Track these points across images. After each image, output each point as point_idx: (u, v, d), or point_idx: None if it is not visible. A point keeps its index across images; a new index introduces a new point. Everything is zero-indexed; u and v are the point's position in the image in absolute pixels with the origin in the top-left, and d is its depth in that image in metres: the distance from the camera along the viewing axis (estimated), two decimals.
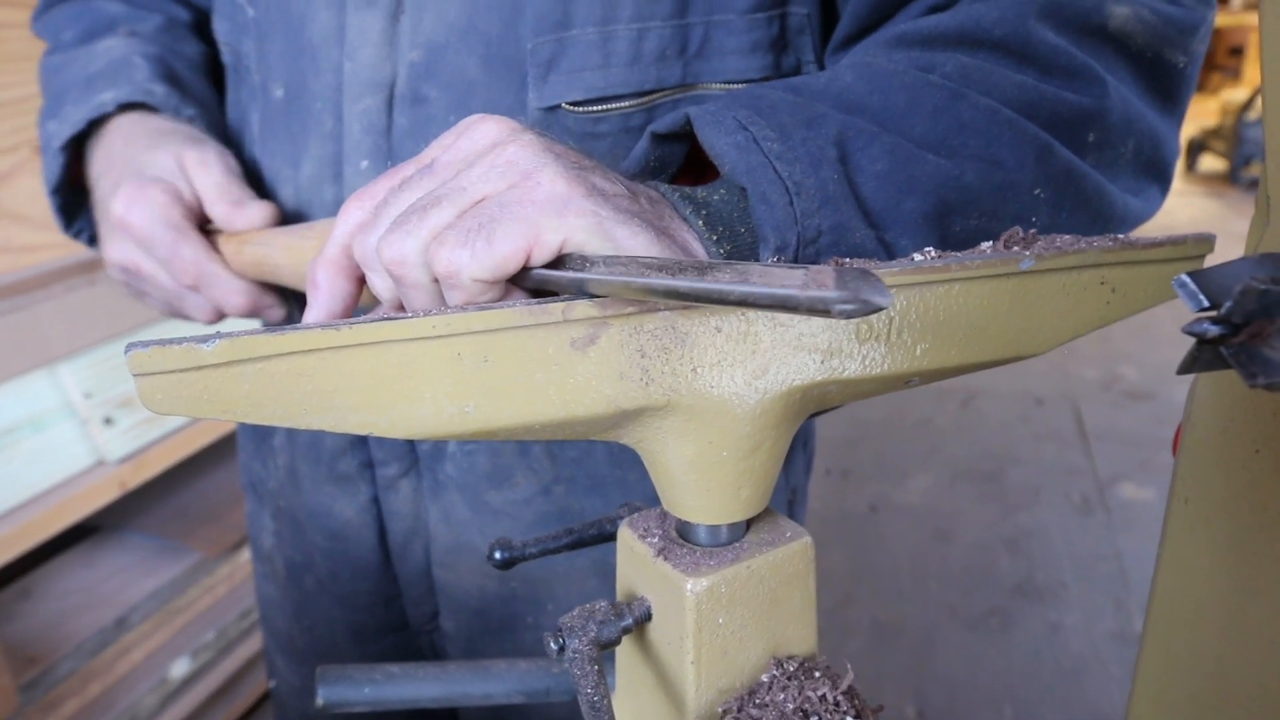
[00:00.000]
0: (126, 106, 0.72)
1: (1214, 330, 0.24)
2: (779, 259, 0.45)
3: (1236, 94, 6.78)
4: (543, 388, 0.38)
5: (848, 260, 0.42)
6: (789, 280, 0.28)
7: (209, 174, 0.67)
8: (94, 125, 0.73)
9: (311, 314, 0.45)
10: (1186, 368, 0.26)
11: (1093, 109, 0.52)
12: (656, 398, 0.39)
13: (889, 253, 0.48)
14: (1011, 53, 0.52)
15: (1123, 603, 2.36)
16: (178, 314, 0.71)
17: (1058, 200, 0.51)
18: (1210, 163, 7.14)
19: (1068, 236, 0.43)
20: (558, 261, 0.40)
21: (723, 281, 0.31)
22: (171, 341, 0.35)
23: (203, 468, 1.82)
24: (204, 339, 0.35)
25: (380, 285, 0.44)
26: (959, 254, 0.41)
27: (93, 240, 0.79)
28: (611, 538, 0.53)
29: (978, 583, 2.46)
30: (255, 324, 0.82)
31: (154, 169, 0.67)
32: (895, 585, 2.46)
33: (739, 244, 0.46)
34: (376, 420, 0.38)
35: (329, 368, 0.36)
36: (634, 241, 0.40)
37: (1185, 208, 6.14)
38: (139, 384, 0.35)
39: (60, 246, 1.53)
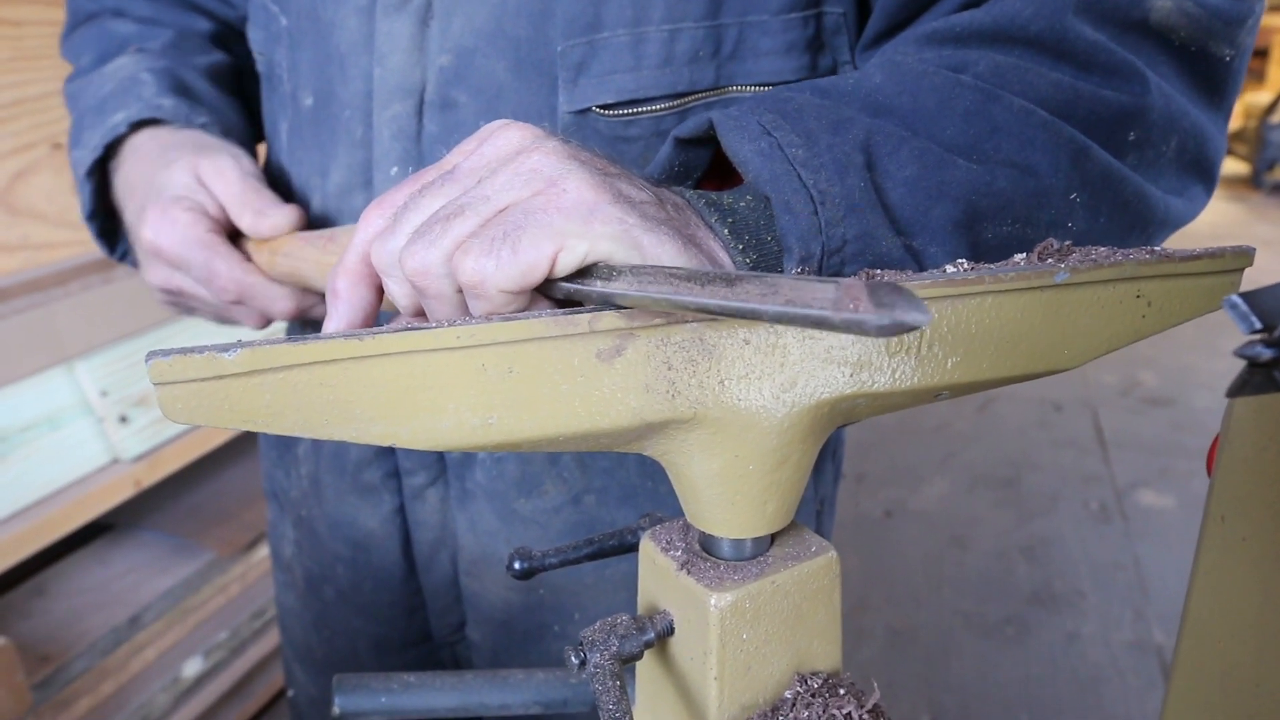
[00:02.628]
0: (140, 124, 0.73)
1: (1267, 354, 0.23)
2: (803, 269, 0.44)
3: (1260, 97, 6.72)
4: (567, 399, 0.38)
5: (877, 272, 0.41)
6: (820, 295, 0.28)
7: (227, 183, 0.67)
8: (112, 147, 0.73)
9: (332, 323, 0.45)
10: (1237, 390, 0.25)
11: (1133, 107, 0.50)
12: (683, 410, 0.39)
13: (917, 261, 0.46)
14: (1047, 49, 0.50)
15: (1141, 612, 2.33)
16: (229, 323, 0.72)
17: (1095, 205, 0.50)
18: (1232, 166, 7.07)
19: (1103, 249, 0.42)
20: (584, 271, 0.39)
21: (752, 297, 0.30)
22: (193, 350, 0.34)
23: (217, 467, 1.83)
24: (225, 348, 0.35)
25: (399, 293, 0.43)
26: (992, 266, 0.40)
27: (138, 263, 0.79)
28: (633, 549, 0.52)
29: (994, 590, 2.44)
30: (278, 331, 0.82)
31: (173, 187, 0.67)
32: (910, 592, 2.44)
33: (765, 252, 0.45)
34: (398, 431, 0.37)
35: (351, 378, 0.36)
36: (661, 250, 0.40)
37: (1206, 212, 6.07)
38: (160, 393, 0.35)
39: (78, 244, 1.54)
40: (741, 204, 0.46)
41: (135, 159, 0.71)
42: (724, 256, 0.44)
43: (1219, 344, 3.82)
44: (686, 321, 0.38)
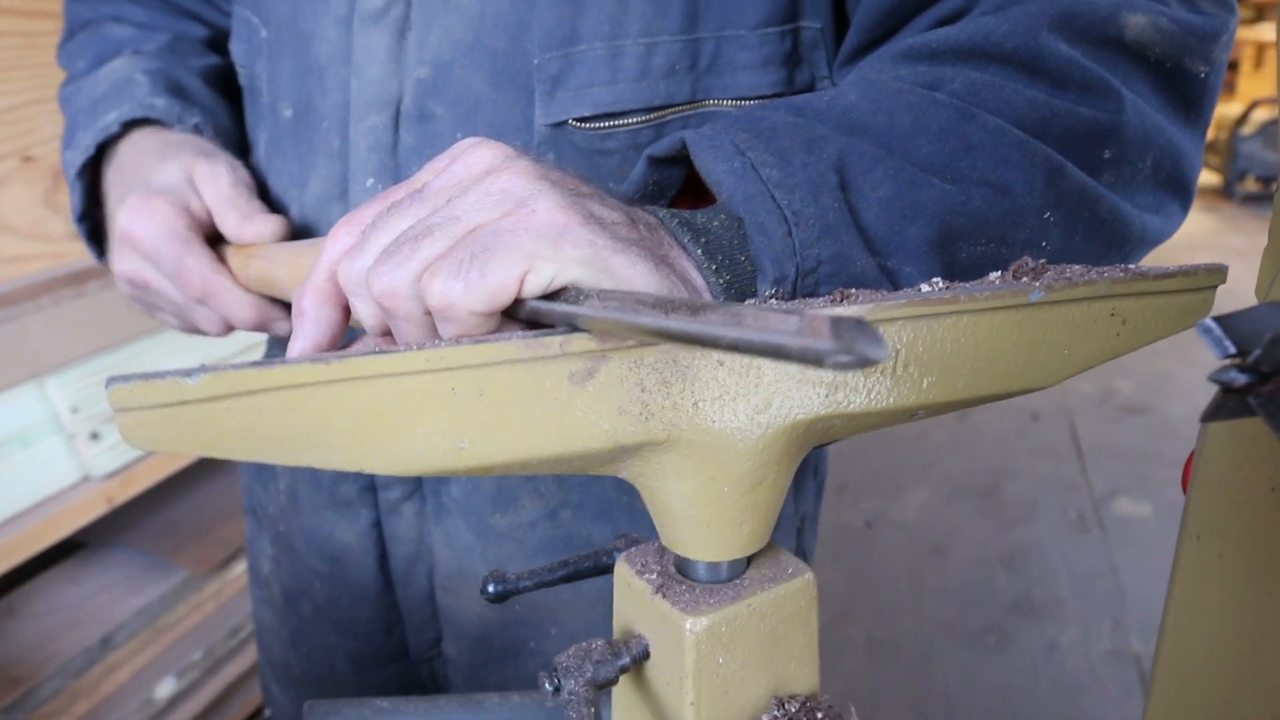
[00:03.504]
0: (132, 124, 0.72)
1: (1241, 379, 0.23)
2: (777, 290, 0.44)
3: (1231, 108, 6.81)
4: (539, 423, 0.37)
5: (852, 291, 0.41)
6: (783, 326, 0.27)
7: (218, 186, 0.66)
8: (105, 147, 0.72)
9: (297, 343, 0.44)
10: (1211, 415, 0.25)
11: (1108, 124, 0.49)
12: (656, 432, 0.38)
13: (892, 280, 0.46)
14: (1023, 66, 0.49)
15: (1120, 621, 2.35)
16: (188, 326, 0.71)
17: (1070, 224, 0.49)
18: (1205, 177, 7.16)
19: (1078, 267, 0.42)
20: (553, 292, 0.38)
21: (714, 324, 0.30)
22: (155, 375, 0.34)
23: (190, 484, 1.80)
24: (189, 373, 0.34)
25: (366, 313, 0.42)
26: (967, 285, 0.40)
27: None
28: (608, 570, 0.51)
29: (974, 600, 2.45)
30: (241, 356, 0.80)
31: (161, 181, 0.66)
32: (892, 602, 2.44)
33: (739, 272, 0.45)
34: (368, 456, 0.36)
35: (318, 403, 0.35)
36: (632, 271, 0.39)
37: None
38: (120, 419, 0.34)
39: (49, 258, 1.52)
40: (715, 223, 0.45)
41: (131, 153, 0.70)
42: (697, 277, 0.43)
43: (1194, 353, 3.86)
44: (660, 343, 0.37)
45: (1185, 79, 0.53)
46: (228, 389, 0.34)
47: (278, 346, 0.86)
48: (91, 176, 0.73)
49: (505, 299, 0.38)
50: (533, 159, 0.42)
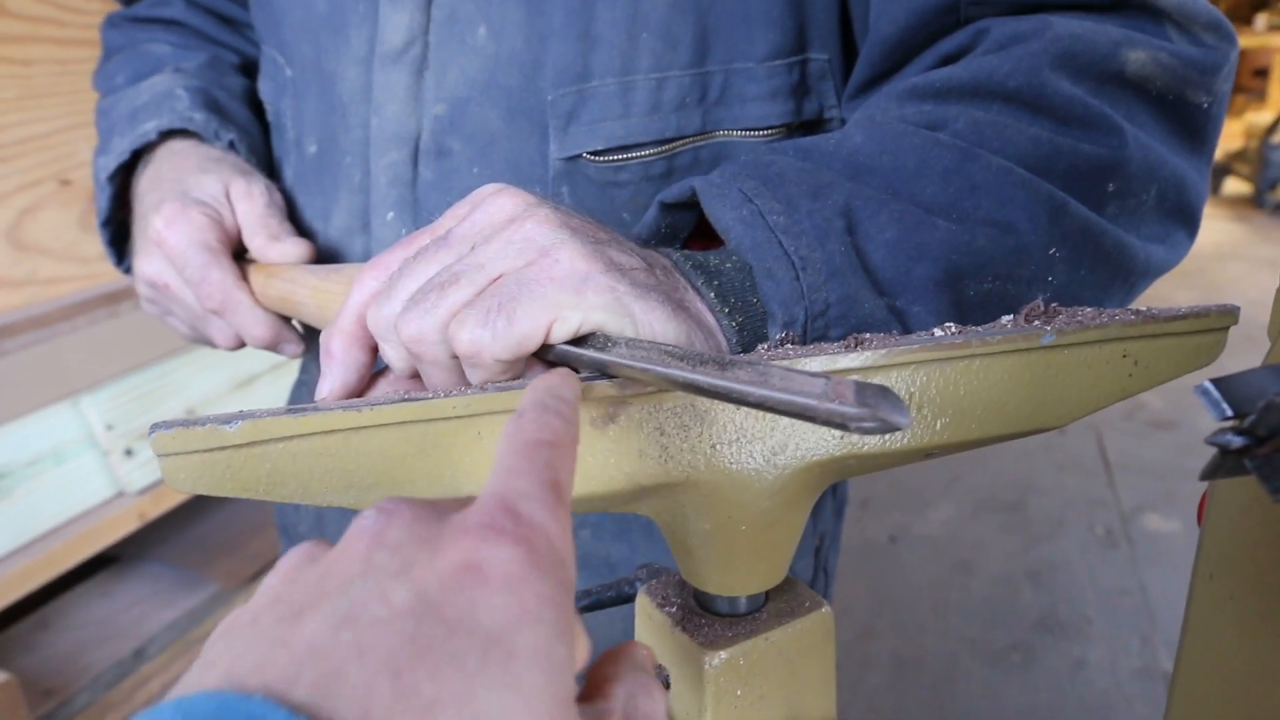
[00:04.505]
0: (169, 135, 0.74)
1: (1237, 441, 0.24)
2: (787, 333, 0.45)
3: (1261, 116, 6.73)
4: None
5: (865, 336, 0.42)
6: (809, 388, 0.28)
7: (252, 205, 0.69)
8: (140, 155, 0.74)
9: (326, 384, 0.45)
10: (1210, 474, 0.26)
11: (1111, 160, 0.50)
12: (675, 474, 0.39)
13: (901, 320, 0.47)
14: (1026, 105, 0.51)
15: (1148, 639, 2.32)
16: (199, 337, 0.72)
17: (1075, 259, 0.50)
18: (1235, 186, 7.08)
19: (1089, 310, 0.43)
20: (581, 337, 0.40)
21: (742, 381, 0.31)
22: (195, 423, 0.35)
23: (221, 500, 1.83)
24: (227, 419, 0.36)
25: (394, 357, 0.44)
26: (979, 330, 0.41)
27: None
28: (630, 599, 0.53)
29: (1000, 616, 2.43)
30: (270, 374, 0.82)
31: (199, 191, 0.68)
32: (915, 618, 2.43)
33: (751, 314, 0.46)
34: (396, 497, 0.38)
35: (350, 447, 0.37)
36: (651, 316, 0.40)
37: (1209, 232, 6.09)
38: (163, 464, 0.36)
39: (84, 279, 1.55)
40: (727, 265, 0.46)
41: (166, 162, 0.72)
42: (710, 319, 0.45)
43: (1223, 367, 3.81)
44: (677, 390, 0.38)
45: (1188, 110, 0.54)
46: (263, 435, 0.36)
47: (307, 372, 0.88)
48: (120, 183, 0.75)
49: (531, 346, 0.39)
50: (553, 206, 0.43)
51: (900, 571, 2.63)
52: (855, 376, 0.40)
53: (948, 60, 0.56)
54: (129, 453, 1.48)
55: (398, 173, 0.66)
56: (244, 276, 0.68)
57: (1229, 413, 0.24)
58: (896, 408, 0.26)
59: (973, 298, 0.48)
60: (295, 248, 0.67)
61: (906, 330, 0.47)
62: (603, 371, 0.38)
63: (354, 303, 0.45)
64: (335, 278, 0.61)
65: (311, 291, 0.62)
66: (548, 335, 0.39)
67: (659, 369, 0.34)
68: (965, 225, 0.47)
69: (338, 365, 0.45)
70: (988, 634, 2.36)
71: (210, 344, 0.71)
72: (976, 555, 2.70)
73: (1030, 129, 0.50)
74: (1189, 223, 0.57)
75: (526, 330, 0.38)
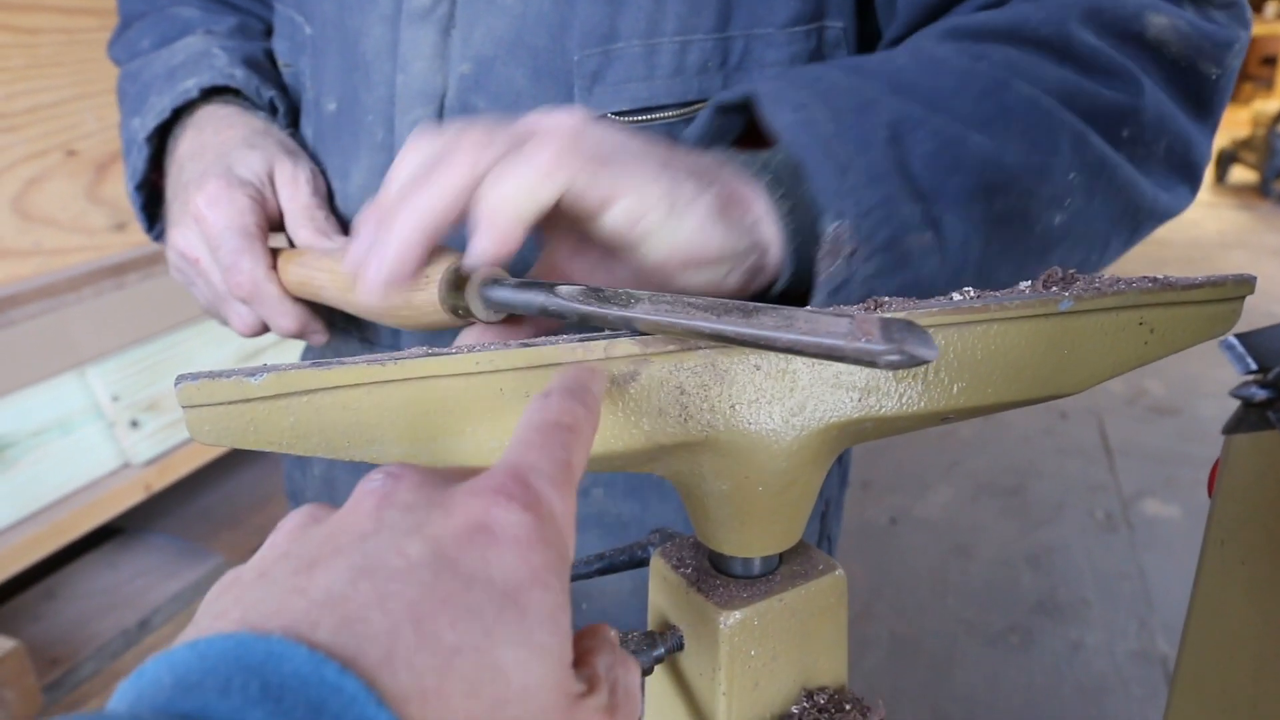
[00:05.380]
0: (209, 95, 0.73)
1: (1261, 394, 0.24)
2: (839, 226, 0.48)
3: (1269, 105, 6.71)
4: None
5: (885, 299, 0.42)
6: (834, 329, 0.28)
7: (297, 192, 0.68)
8: (178, 115, 0.73)
9: (370, 263, 0.46)
10: (1233, 428, 0.26)
11: (1128, 106, 0.55)
12: (694, 434, 0.40)
13: (935, 227, 0.51)
14: (1054, 50, 0.55)
15: (1146, 622, 2.34)
16: (217, 316, 0.71)
17: (1091, 186, 0.55)
18: (1241, 174, 7.07)
19: (1107, 277, 0.43)
20: (603, 296, 0.40)
21: (768, 327, 0.31)
22: (220, 374, 0.36)
23: (226, 472, 1.84)
24: (252, 372, 0.36)
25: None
26: (997, 294, 0.41)
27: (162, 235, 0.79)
28: (643, 563, 0.53)
29: (998, 599, 2.44)
30: (274, 347, 0.82)
31: (244, 169, 0.67)
32: (914, 600, 2.45)
33: (799, 200, 0.50)
34: (418, 453, 0.38)
35: (373, 402, 0.37)
36: (697, 204, 0.45)
37: (1215, 219, 6.08)
38: (188, 415, 0.36)
39: (90, 250, 1.55)
40: (777, 158, 0.51)
41: (209, 125, 0.71)
42: (761, 206, 0.49)
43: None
44: (700, 348, 0.39)
45: (1198, 78, 0.58)
46: (288, 388, 0.36)
47: (314, 353, 0.88)
48: (155, 146, 0.74)
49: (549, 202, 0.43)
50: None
51: (900, 553, 2.64)
52: None
53: (985, 10, 0.60)
54: (135, 424, 1.49)
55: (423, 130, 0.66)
56: (274, 264, 0.67)
57: (1253, 366, 0.25)
58: (923, 341, 0.26)
59: (999, 211, 0.52)
60: (341, 245, 0.66)
61: (940, 237, 0.50)
62: (628, 327, 0.38)
63: (404, 162, 0.47)
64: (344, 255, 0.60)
65: (329, 275, 0.61)
66: (608, 211, 0.43)
67: (684, 321, 0.35)
68: (997, 142, 0.52)
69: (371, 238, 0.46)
70: (986, 616, 2.38)
71: (225, 325, 0.70)
72: (976, 538, 2.71)
73: (1057, 71, 0.54)
74: (1192, 178, 0.62)
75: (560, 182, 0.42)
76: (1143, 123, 0.56)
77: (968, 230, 0.51)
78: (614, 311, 0.38)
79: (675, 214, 0.45)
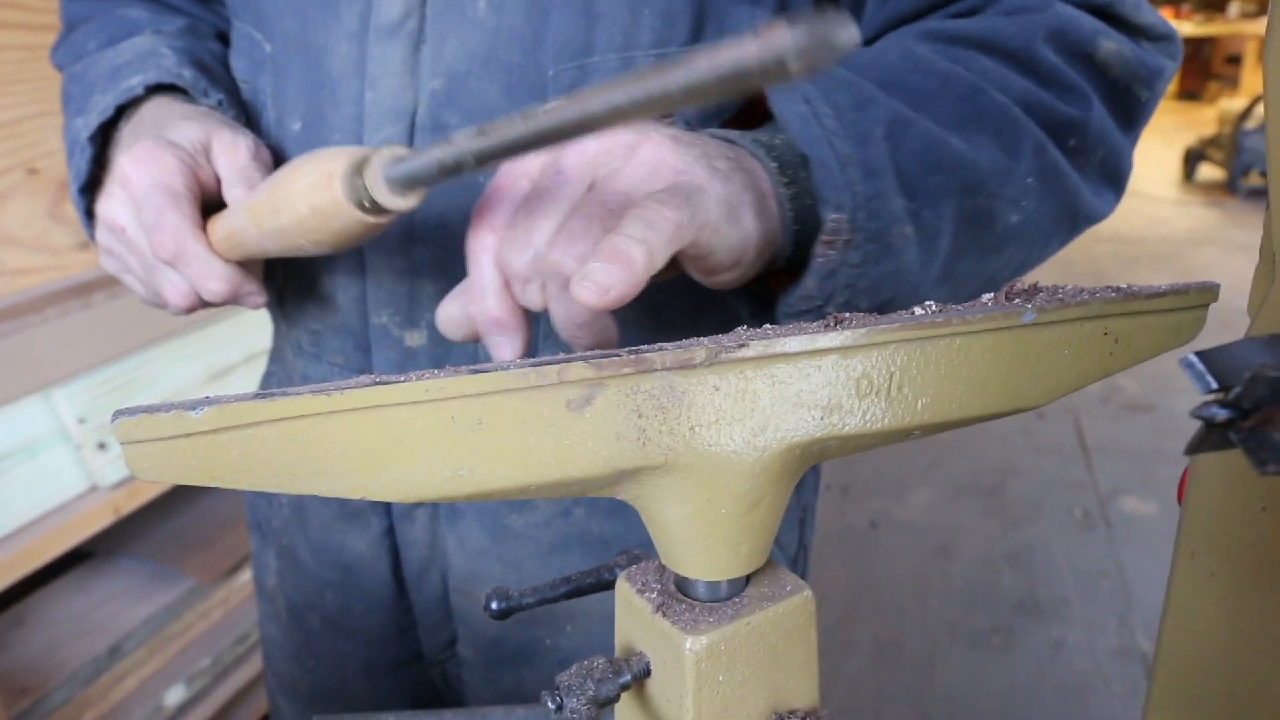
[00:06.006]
0: (156, 92, 0.71)
1: (1223, 414, 0.24)
2: (838, 218, 0.51)
3: (1234, 103, 6.80)
4: (538, 450, 0.38)
5: (845, 316, 0.41)
6: (736, 49, 0.25)
7: (236, 156, 0.65)
8: (123, 113, 0.70)
9: (507, 349, 0.51)
10: (1195, 448, 0.25)
11: (1078, 119, 0.60)
12: (654, 457, 0.39)
13: (915, 221, 0.54)
14: (1020, 63, 0.60)
15: (1125, 619, 2.35)
16: (152, 294, 0.67)
17: (1044, 190, 0.59)
18: (1208, 172, 7.15)
19: (1070, 287, 0.43)
20: (493, 125, 0.39)
21: (662, 80, 0.29)
22: (159, 409, 0.34)
23: (197, 493, 1.81)
24: (192, 406, 0.35)
25: (535, 297, 0.48)
26: (959, 308, 0.41)
27: None
28: (609, 586, 0.52)
29: (979, 599, 2.45)
30: (246, 364, 0.80)
31: (177, 135, 0.64)
32: (896, 602, 2.45)
33: (801, 188, 0.53)
34: (369, 484, 0.37)
35: (320, 433, 0.36)
36: (743, 208, 0.49)
37: (1183, 217, 6.14)
38: (126, 452, 0.35)
39: (54, 269, 1.53)
40: (778, 141, 0.54)
41: (150, 114, 0.68)
42: (770, 187, 0.52)
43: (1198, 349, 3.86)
44: (656, 370, 0.38)
45: (1132, 99, 0.64)
46: (230, 421, 0.35)
47: (277, 362, 0.87)
48: (99, 146, 0.70)
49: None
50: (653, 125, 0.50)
51: (881, 556, 2.65)
52: (834, 356, 0.39)
53: (961, 16, 0.64)
54: (102, 446, 1.46)
55: None
56: (204, 228, 0.62)
57: (1214, 385, 0.24)
58: (836, 21, 0.23)
59: (968, 209, 0.56)
60: None
61: (919, 229, 0.54)
62: (525, 147, 0.37)
63: (485, 266, 0.49)
64: (262, 186, 0.57)
65: (246, 212, 0.58)
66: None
67: (578, 111, 0.32)
68: (971, 145, 0.56)
69: (503, 325, 0.50)
70: (967, 617, 2.38)
71: (163, 303, 0.66)
72: (956, 539, 2.72)
73: (1021, 82, 0.59)
74: (1118, 186, 0.68)
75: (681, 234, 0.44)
76: (1087, 134, 0.61)
77: (940, 226, 0.55)
78: (513, 132, 0.36)
79: (732, 219, 0.48)
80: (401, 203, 0.48)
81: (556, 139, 0.35)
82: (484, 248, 0.49)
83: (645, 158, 0.47)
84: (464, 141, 0.39)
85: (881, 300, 0.56)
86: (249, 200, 0.57)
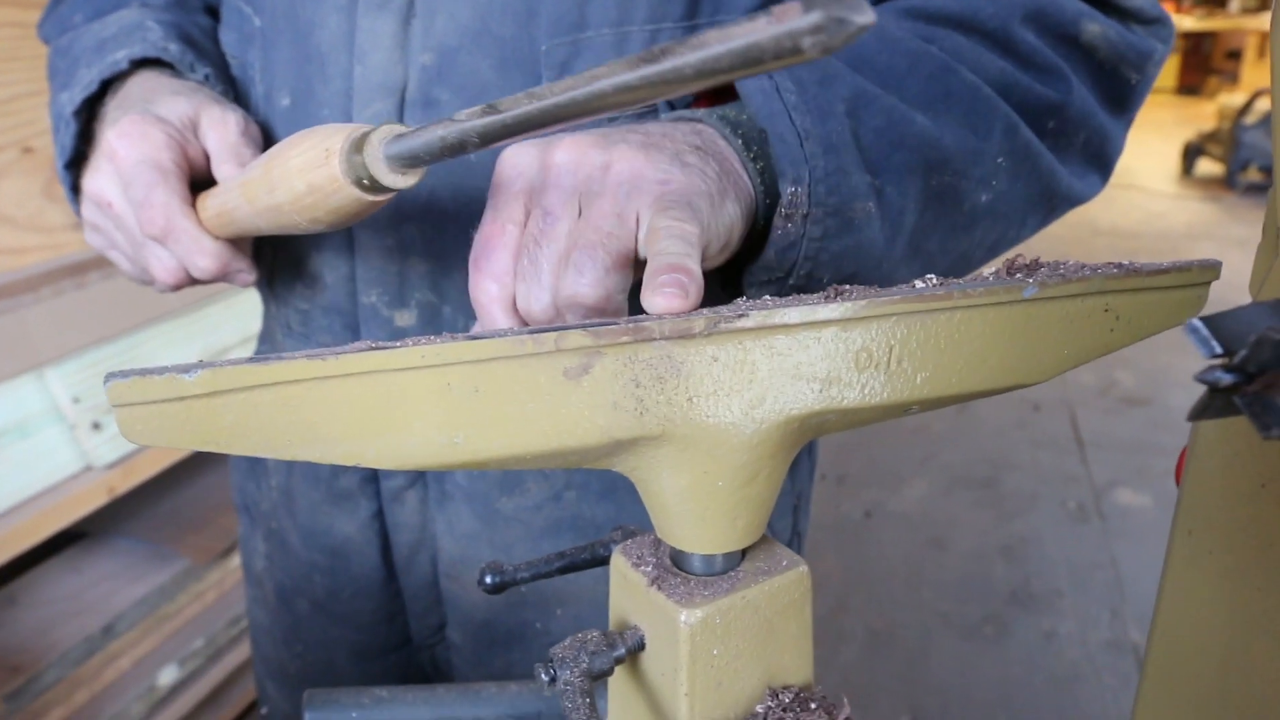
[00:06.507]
0: (141, 66, 0.69)
1: (1227, 379, 0.23)
2: (795, 190, 0.51)
3: (1234, 98, 6.79)
4: (534, 418, 0.37)
5: (846, 288, 0.41)
6: (748, 29, 0.25)
7: (225, 132, 0.63)
8: (108, 87, 0.69)
9: None
10: (1198, 414, 0.25)
11: (1056, 101, 0.60)
12: (651, 428, 0.39)
13: (878, 197, 0.54)
14: (998, 43, 0.60)
15: (1118, 611, 2.35)
16: (139, 271, 0.66)
17: (1016, 171, 0.59)
18: (1207, 166, 7.15)
19: (1072, 263, 0.42)
20: (499, 106, 0.37)
21: (678, 59, 0.28)
22: (153, 371, 0.34)
23: (192, 473, 1.81)
24: (186, 369, 0.34)
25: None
26: (960, 281, 0.40)
27: None
28: (604, 561, 0.52)
29: (973, 590, 2.46)
30: (240, 347, 0.80)
31: (165, 110, 0.63)
32: (890, 593, 2.45)
33: (768, 162, 0.53)
34: (364, 451, 0.37)
35: (315, 398, 0.35)
36: (724, 201, 0.49)
37: (1182, 211, 6.14)
38: (118, 414, 0.34)
39: (48, 249, 1.52)
40: (743, 118, 0.54)
41: (137, 89, 0.67)
42: (739, 166, 0.52)
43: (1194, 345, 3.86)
44: (654, 339, 0.37)
45: (1120, 81, 0.64)
46: (225, 385, 0.34)
47: (267, 343, 0.86)
48: (85, 121, 0.69)
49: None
50: (618, 134, 0.49)
51: (875, 547, 2.65)
52: (834, 329, 0.39)
53: None
54: (96, 426, 1.46)
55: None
56: (194, 204, 0.62)
57: (1218, 349, 0.24)
58: (853, 4, 0.22)
59: (934, 188, 0.56)
60: None
61: (882, 205, 0.54)
62: (530, 125, 0.36)
63: (497, 315, 0.49)
64: (256, 163, 0.56)
65: (239, 188, 0.57)
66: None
67: (587, 91, 0.32)
68: (938, 123, 0.56)
69: None
70: (961, 608, 2.39)
71: (151, 280, 0.65)
72: (950, 531, 2.72)
73: (998, 63, 0.59)
74: (1104, 169, 0.68)
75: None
76: (1067, 117, 0.61)
77: (904, 203, 0.55)
78: (520, 111, 0.35)
79: (716, 209, 0.48)
80: (401, 180, 0.47)
81: (564, 118, 0.34)
82: (491, 298, 0.49)
83: (622, 175, 0.47)
84: (468, 120, 0.38)
85: (844, 275, 0.55)
86: (243, 177, 0.57)
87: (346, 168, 0.48)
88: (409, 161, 0.45)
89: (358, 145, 0.48)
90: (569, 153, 0.48)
